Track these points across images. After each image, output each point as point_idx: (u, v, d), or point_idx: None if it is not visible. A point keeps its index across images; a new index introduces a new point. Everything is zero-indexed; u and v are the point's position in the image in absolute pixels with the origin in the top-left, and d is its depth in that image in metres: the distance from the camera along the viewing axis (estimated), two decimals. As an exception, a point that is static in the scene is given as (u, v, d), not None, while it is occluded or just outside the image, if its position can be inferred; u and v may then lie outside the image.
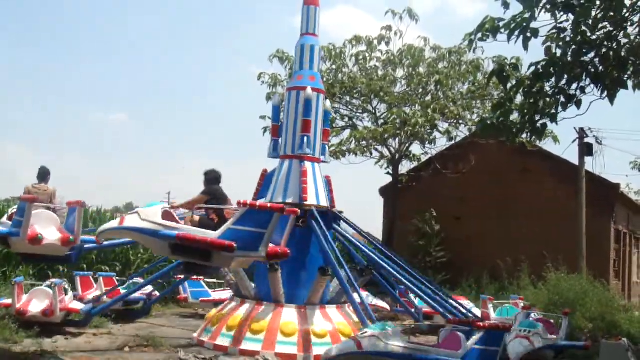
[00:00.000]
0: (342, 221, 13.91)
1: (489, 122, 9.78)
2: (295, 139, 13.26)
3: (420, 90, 22.98)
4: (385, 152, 24.11)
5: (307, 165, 13.16)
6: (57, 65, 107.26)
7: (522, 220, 24.61)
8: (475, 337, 9.07)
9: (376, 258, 12.97)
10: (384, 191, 27.78)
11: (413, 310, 15.18)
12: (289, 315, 11.91)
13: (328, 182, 13.80)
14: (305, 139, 13.24)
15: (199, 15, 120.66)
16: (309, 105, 13.41)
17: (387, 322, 10.20)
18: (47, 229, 9.89)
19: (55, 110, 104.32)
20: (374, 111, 23.98)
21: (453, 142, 23.62)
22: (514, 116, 10.12)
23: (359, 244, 13.79)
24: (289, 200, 12.64)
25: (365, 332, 9.24)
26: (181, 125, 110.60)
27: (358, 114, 24.60)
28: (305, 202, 12.70)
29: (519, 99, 10.36)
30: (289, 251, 9.78)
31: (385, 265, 12.84)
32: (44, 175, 10.96)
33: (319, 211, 12.82)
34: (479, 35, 9.22)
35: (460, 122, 22.75)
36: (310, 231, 12.69)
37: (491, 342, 9.09)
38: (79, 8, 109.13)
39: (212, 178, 10.27)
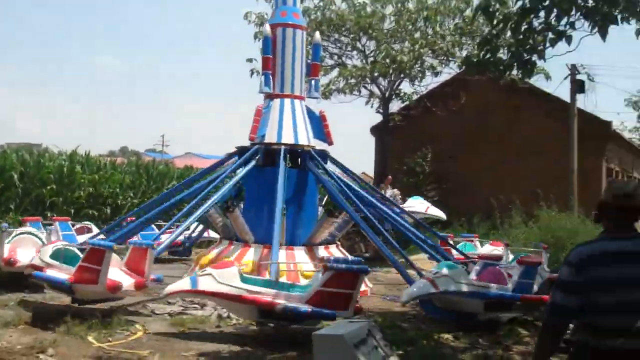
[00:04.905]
0: (328, 160, 13.75)
1: (473, 59, 9.46)
2: (284, 78, 13.07)
3: (410, 26, 22.37)
4: (375, 90, 23.75)
5: (298, 104, 13.14)
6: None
7: (515, 159, 24.20)
8: None
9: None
10: (375, 130, 27.39)
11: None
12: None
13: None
14: (313, 82, 13.72)
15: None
16: (318, 50, 14.07)
17: (452, 263, 10.52)
18: None
19: (49, 50, 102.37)
20: (362, 49, 23.47)
21: (439, 78, 23.31)
22: (502, 52, 9.75)
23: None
24: (284, 141, 12.76)
25: (437, 273, 9.53)
26: (174, 68, 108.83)
27: (347, 52, 24.08)
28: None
29: (507, 34, 9.96)
30: None
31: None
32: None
33: (301, 150, 12.99)
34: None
35: (450, 59, 22.30)
36: (305, 172, 12.92)
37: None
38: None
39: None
